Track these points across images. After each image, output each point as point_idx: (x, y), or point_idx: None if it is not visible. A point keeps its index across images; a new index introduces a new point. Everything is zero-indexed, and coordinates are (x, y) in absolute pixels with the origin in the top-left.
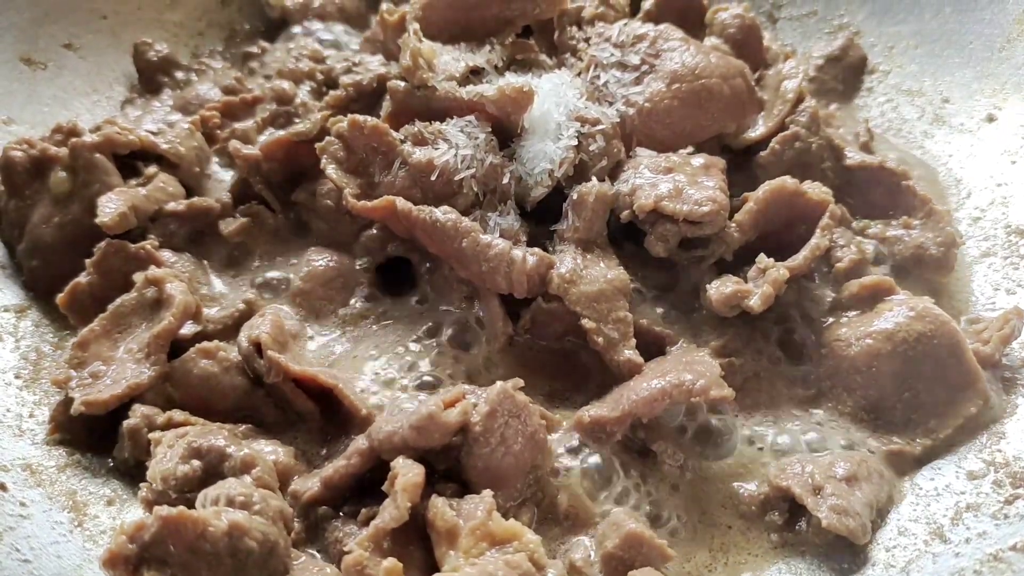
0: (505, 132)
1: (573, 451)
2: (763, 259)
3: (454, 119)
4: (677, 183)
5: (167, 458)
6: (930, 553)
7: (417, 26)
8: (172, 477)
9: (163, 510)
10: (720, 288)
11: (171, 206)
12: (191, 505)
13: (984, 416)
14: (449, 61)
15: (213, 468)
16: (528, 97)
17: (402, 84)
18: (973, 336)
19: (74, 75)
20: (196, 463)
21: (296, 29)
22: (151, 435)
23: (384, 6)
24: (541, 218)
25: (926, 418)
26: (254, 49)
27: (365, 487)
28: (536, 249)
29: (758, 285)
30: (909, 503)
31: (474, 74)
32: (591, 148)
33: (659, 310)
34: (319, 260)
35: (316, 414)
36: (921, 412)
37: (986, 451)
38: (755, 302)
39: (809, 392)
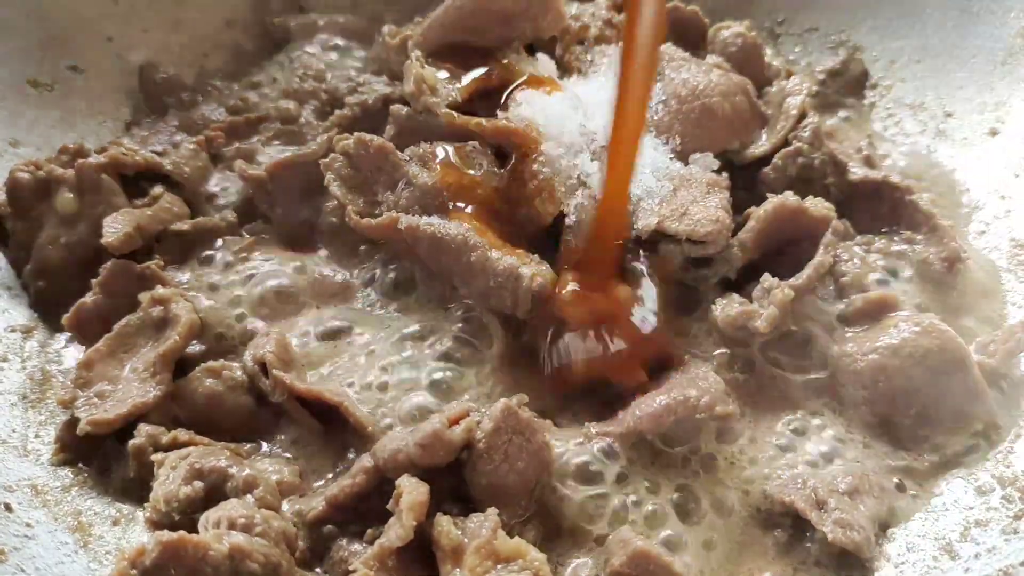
0: (507, 154)
1: (579, 467)
2: (767, 279)
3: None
4: (680, 203)
5: (170, 480)
6: (939, 569)
7: (420, 52)
8: (175, 499)
9: (163, 535)
10: (726, 310)
11: (176, 226)
12: (195, 526)
13: (992, 431)
14: (451, 86)
15: (216, 489)
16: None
17: (405, 108)
18: (979, 349)
19: (80, 97)
20: (198, 484)
21: (300, 48)
22: (154, 456)
23: (386, 28)
24: (542, 237)
25: (933, 433)
26: (259, 69)
27: (371, 506)
28: (546, 266)
29: (764, 306)
30: (917, 519)
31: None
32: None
33: (663, 326)
34: (322, 273)
35: (320, 432)
36: (928, 427)
37: (994, 466)
38: (762, 324)
39: (814, 407)
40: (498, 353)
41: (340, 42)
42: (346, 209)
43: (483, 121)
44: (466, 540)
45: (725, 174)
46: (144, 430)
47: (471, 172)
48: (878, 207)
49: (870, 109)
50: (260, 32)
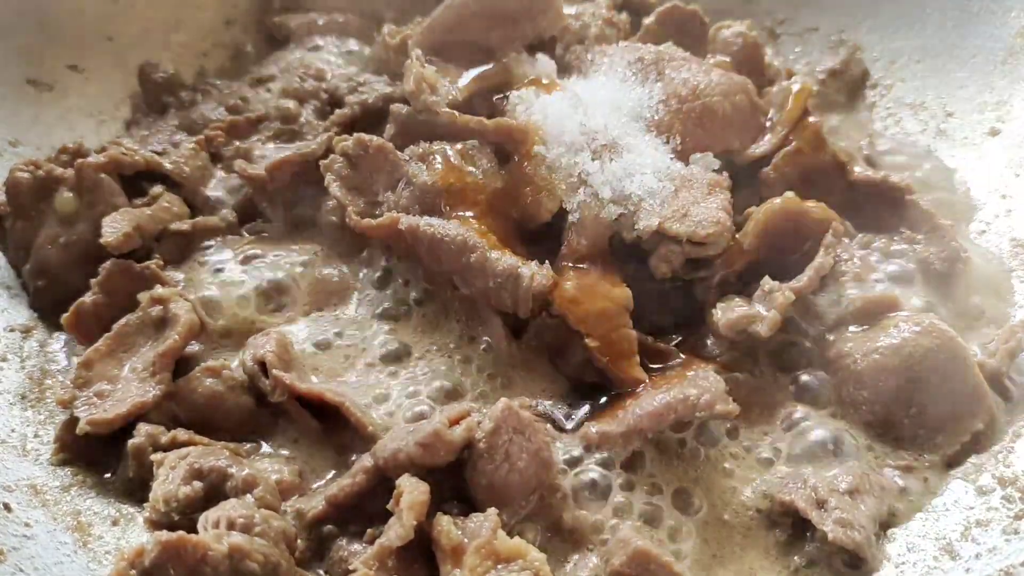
0: (506, 152)
1: (579, 466)
2: (768, 282)
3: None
4: (681, 203)
5: (169, 480)
6: (940, 569)
7: (420, 52)
8: (174, 499)
9: (163, 535)
10: (726, 314)
11: (176, 226)
12: (195, 526)
13: (992, 431)
14: (452, 85)
15: (215, 489)
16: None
17: (404, 108)
18: (980, 349)
19: (80, 96)
20: (198, 484)
21: (300, 48)
22: (153, 456)
23: (386, 28)
24: (543, 236)
25: (933, 433)
26: (259, 68)
27: (371, 506)
28: (546, 266)
29: (764, 307)
30: (918, 519)
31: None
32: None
33: (663, 326)
34: (322, 273)
35: (320, 432)
36: (928, 427)
37: (995, 466)
38: (762, 328)
39: (814, 407)
40: (499, 353)
41: (340, 42)
42: (346, 210)
43: (484, 120)
44: (466, 540)
45: (726, 174)
46: (144, 430)
47: (471, 171)
48: (878, 207)
49: (870, 109)
50: (260, 32)
